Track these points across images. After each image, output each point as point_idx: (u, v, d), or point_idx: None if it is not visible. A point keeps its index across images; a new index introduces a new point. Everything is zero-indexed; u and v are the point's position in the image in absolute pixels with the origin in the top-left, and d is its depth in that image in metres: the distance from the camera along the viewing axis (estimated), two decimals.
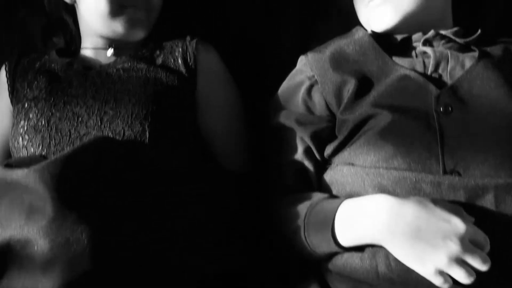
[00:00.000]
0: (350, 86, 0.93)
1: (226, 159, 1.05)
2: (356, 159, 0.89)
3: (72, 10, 1.07)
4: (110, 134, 0.90)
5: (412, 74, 0.91)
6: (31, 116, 0.94)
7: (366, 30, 1.04)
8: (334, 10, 1.19)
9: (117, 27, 1.00)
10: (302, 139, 0.97)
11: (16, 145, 0.94)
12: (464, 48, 0.98)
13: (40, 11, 1.13)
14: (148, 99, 0.93)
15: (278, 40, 1.21)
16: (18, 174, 0.76)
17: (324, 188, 0.94)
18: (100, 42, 1.05)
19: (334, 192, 0.91)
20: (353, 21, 1.09)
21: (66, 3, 1.06)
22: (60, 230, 0.71)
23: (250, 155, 1.06)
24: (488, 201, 0.79)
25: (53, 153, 0.90)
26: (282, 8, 1.20)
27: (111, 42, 1.04)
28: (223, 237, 0.91)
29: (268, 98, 1.08)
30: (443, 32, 0.97)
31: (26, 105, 0.96)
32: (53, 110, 0.93)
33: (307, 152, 0.97)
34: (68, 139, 0.90)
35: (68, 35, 1.11)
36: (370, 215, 0.77)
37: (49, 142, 0.91)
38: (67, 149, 0.89)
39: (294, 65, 1.09)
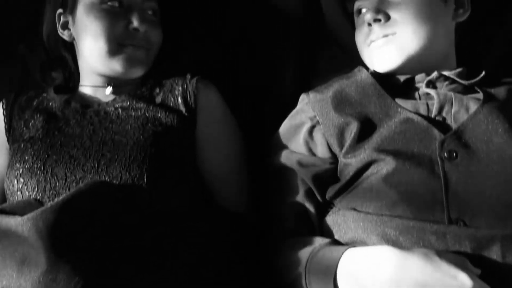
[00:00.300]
0: (353, 129, 0.92)
1: (225, 199, 1.03)
2: (359, 204, 0.87)
3: (71, 48, 1.06)
4: (107, 178, 0.88)
5: (416, 117, 0.89)
6: (26, 158, 0.92)
7: (368, 69, 1.03)
8: (336, 46, 1.18)
9: (116, 66, 0.99)
10: (303, 181, 0.95)
11: (11, 188, 0.92)
12: (468, 89, 0.97)
13: (40, 46, 1.12)
14: (146, 141, 0.91)
15: (280, 75, 1.20)
16: (12, 222, 0.74)
17: (326, 231, 0.92)
18: (99, 80, 1.03)
19: (336, 236, 0.89)
20: (355, 57, 1.08)
21: (65, 40, 1.05)
22: (53, 284, 0.69)
23: (250, 194, 1.04)
24: (494, 253, 0.77)
25: (49, 197, 0.88)
26: (284, 44, 1.19)
27: (110, 80, 1.03)
28: (224, 264, 0.89)
29: (269, 135, 1.07)
30: (446, 73, 0.96)
31: (22, 145, 0.95)
32: (49, 152, 0.92)
33: (309, 194, 0.95)
34: (64, 182, 0.88)
35: (67, 71, 1.10)
36: (374, 268, 0.75)
37: (45, 186, 0.89)
38: (63, 193, 0.88)
39: (295, 101, 1.08)
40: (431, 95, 0.94)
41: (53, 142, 0.93)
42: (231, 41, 1.19)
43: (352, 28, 1.10)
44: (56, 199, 0.78)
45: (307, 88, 1.18)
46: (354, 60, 1.11)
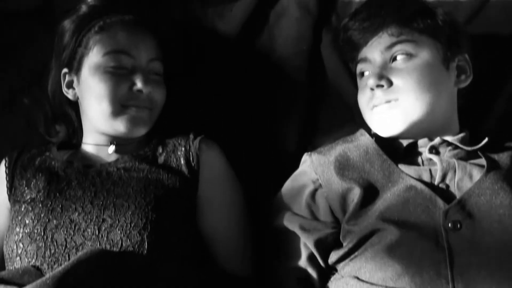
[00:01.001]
0: (355, 195, 0.91)
1: (226, 260, 1.02)
2: (362, 273, 0.86)
3: (75, 105, 1.07)
4: (107, 244, 0.87)
5: (419, 185, 0.89)
6: (27, 221, 0.91)
7: (371, 131, 1.03)
8: (339, 103, 1.19)
9: (119, 126, 0.99)
10: (305, 246, 0.95)
11: (10, 253, 0.91)
12: (471, 154, 0.96)
13: (44, 100, 1.12)
14: (148, 206, 0.91)
15: (282, 131, 1.20)
16: None
17: None
18: (102, 139, 1.03)
19: None
20: (356, 114, 1.09)
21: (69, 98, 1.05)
22: None
23: (252, 257, 1.03)
24: None
25: (48, 264, 0.87)
26: (288, 100, 1.20)
27: (113, 139, 1.03)
28: None
29: (272, 194, 1.06)
30: (449, 139, 0.96)
31: (23, 208, 0.94)
32: (50, 217, 0.91)
33: (311, 259, 0.94)
34: (63, 249, 0.87)
35: (71, 128, 1.10)
36: None
37: (44, 252, 0.87)
38: (62, 260, 0.87)
39: (298, 158, 1.07)
40: (434, 161, 0.94)
41: (54, 206, 0.93)
42: (234, 98, 1.20)
43: (355, 87, 1.11)
44: (55, 270, 0.78)
45: (309, 145, 1.19)
46: (356, 116, 1.12)
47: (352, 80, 1.13)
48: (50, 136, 1.12)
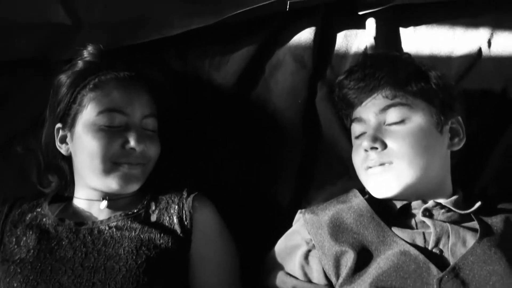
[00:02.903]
0: (349, 259, 0.91)
1: None
2: None
3: (68, 158, 1.06)
4: None
5: (412, 251, 0.88)
6: (15, 285, 0.89)
7: (364, 189, 1.03)
8: (334, 157, 1.19)
9: (111, 183, 0.98)
10: None
11: None
12: (464, 216, 0.96)
13: (37, 151, 1.11)
14: (139, 269, 0.89)
15: (276, 184, 1.19)
16: None
17: None
18: (94, 194, 1.02)
19: None
20: (351, 170, 1.09)
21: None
22: None
23: None
24: None
25: None
26: (283, 153, 1.19)
27: (105, 194, 1.02)
28: None
29: (265, 250, 1.05)
30: (442, 202, 0.96)
31: (11, 269, 0.92)
32: (39, 280, 0.89)
33: None
34: None
35: (63, 180, 1.09)
36: None
37: None
38: None
39: (292, 212, 1.07)
40: (427, 223, 0.94)
41: (44, 268, 0.91)
42: (228, 150, 1.19)
43: (349, 141, 1.11)
44: None
45: (303, 198, 1.18)
46: (350, 170, 1.12)
47: (347, 134, 1.14)
48: (43, 186, 1.11)
